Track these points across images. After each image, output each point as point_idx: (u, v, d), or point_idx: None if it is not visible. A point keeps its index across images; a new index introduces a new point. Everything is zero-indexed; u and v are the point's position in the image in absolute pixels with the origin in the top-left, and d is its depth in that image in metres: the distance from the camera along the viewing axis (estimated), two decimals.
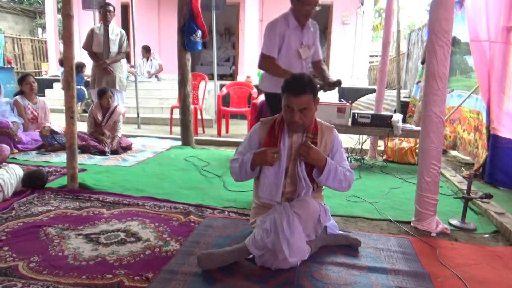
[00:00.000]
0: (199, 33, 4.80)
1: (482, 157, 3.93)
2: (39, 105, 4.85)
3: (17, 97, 4.74)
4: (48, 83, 9.67)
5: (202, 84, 6.52)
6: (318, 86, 2.35)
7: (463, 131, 4.65)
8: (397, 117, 4.17)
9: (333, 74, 10.35)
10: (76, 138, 3.18)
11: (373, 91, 7.04)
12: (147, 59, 9.09)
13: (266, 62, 3.04)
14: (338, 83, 3.01)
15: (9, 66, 10.30)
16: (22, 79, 4.78)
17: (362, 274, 1.97)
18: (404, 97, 6.89)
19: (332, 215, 2.42)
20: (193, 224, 2.53)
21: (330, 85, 3.02)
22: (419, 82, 6.14)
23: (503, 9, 3.72)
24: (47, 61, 11.59)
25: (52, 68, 10.75)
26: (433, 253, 2.23)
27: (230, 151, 4.83)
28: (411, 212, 2.76)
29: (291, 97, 2.00)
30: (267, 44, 3.01)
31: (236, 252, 1.99)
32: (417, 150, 4.26)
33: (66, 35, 3.00)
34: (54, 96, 8.83)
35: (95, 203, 2.85)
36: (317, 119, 2.19)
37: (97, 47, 5.12)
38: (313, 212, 2.01)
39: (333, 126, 2.20)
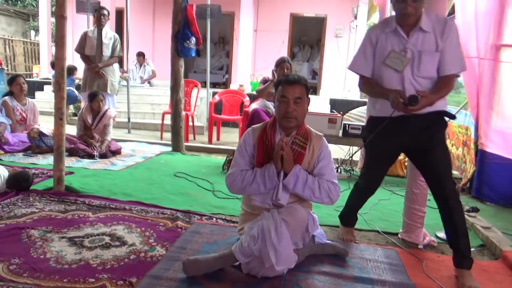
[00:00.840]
0: (193, 39, 4.81)
1: (469, 172, 3.97)
2: (28, 106, 4.80)
3: (6, 97, 4.68)
4: (39, 86, 9.57)
5: (194, 91, 6.51)
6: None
7: (452, 146, 4.70)
8: None
9: (324, 86, 10.29)
10: (65, 140, 3.14)
11: (364, 103, 7.09)
12: (141, 65, 9.08)
13: (360, 82, 2.34)
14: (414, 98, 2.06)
15: (0, 67, 10.18)
16: (12, 80, 4.73)
17: (348, 284, 1.96)
18: None
19: (320, 225, 2.41)
20: (180, 230, 2.50)
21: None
22: None
23: (493, 27, 3.80)
24: (39, 63, 11.49)
25: (43, 71, 10.65)
26: (420, 265, 2.23)
27: (221, 158, 4.81)
28: (399, 224, 2.76)
29: (286, 86, 2.03)
30: (353, 58, 2.32)
31: (222, 259, 1.97)
32: (406, 163, 4.29)
33: (58, 36, 2.98)
34: (45, 99, 8.73)
35: (81, 206, 2.81)
36: (308, 126, 2.20)
37: (90, 50, 5.10)
38: (301, 220, 1.99)
39: (322, 135, 2.20)
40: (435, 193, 2.19)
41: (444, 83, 2.08)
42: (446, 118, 2.18)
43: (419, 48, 2.09)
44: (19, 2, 17.05)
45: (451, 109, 4.73)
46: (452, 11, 4.80)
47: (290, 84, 2.03)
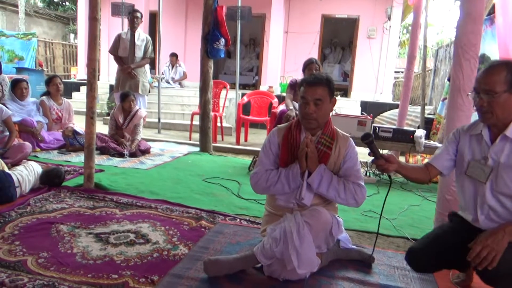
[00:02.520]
0: (223, 41, 4.84)
1: None
2: (64, 106, 4.98)
3: (43, 97, 4.87)
4: (76, 86, 9.96)
5: (223, 92, 6.56)
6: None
7: None
8: (420, 132, 4.06)
9: (356, 88, 10.18)
10: (95, 138, 3.23)
11: (397, 106, 6.91)
12: (173, 66, 9.25)
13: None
14: None
15: (40, 68, 10.67)
16: (49, 80, 4.92)
17: None
18: (429, 114, 6.72)
19: (346, 229, 2.35)
20: (204, 230, 2.50)
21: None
22: (445, 99, 5.97)
23: None
24: (77, 65, 11.96)
25: (80, 72, 11.08)
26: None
27: (248, 159, 4.80)
28: (429, 231, 2.63)
29: (306, 88, 1.99)
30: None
31: (243, 260, 1.94)
32: None
33: (91, 38, 3.07)
34: (81, 99, 9.05)
35: (108, 203, 2.87)
36: (335, 127, 2.14)
37: (123, 51, 5.24)
38: (324, 223, 1.94)
39: (349, 136, 2.13)
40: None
41: None
42: None
43: (502, 160, 1.69)
44: (60, 6, 17.82)
45: None
46: (492, 11, 4.59)
47: (310, 85, 1.98)
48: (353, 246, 2.23)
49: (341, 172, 2.05)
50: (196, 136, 5.58)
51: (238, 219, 2.74)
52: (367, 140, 1.79)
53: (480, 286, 1.96)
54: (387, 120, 7.04)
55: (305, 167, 1.97)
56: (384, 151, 4.55)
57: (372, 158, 1.83)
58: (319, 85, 1.97)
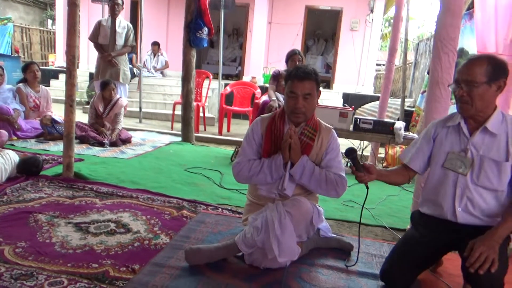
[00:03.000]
0: (206, 30, 4.80)
1: None
2: (41, 93, 4.85)
3: (20, 84, 4.74)
4: (54, 74, 9.71)
5: (206, 82, 6.51)
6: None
7: None
8: (400, 124, 4.13)
9: (338, 80, 10.23)
10: (74, 126, 3.17)
11: (377, 98, 7.00)
12: (155, 55, 9.10)
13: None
14: None
15: (16, 55, 10.33)
16: (26, 67, 4.78)
17: (352, 278, 1.94)
18: (409, 106, 6.84)
19: (326, 218, 2.39)
20: (186, 219, 2.50)
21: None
22: (424, 92, 6.09)
23: None
24: (55, 52, 11.64)
25: (59, 59, 10.80)
26: None
27: (230, 150, 4.81)
28: (407, 220, 2.71)
29: (295, 82, 1.97)
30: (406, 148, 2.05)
31: (225, 249, 1.96)
32: None
33: (70, 24, 2.99)
34: (60, 87, 8.84)
35: (88, 193, 2.83)
36: (318, 118, 2.16)
37: (103, 39, 5.12)
38: (305, 213, 1.97)
39: (332, 127, 2.16)
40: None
41: None
42: None
43: (482, 153, 1.72)
44: None
45: None
46: (471, 6, 4.67)
47: (300, 79, 1.96)
48: (332, 235, 2.27)
49: (323, 163, 2.08)
50: (178, 126, 5.55)
51: (220, 209, 2.75)
52: (351, 156, 1.80)
53: (448, 270, 2.04)
54: (368, 112, 7.14)
55: (288, 158, 1.99)
56: (364, 143, 4.64)
57: (351, 169, 1.84)
58: (308, 79, 1.96)
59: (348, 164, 4.40)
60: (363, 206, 1.99)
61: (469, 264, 1.54)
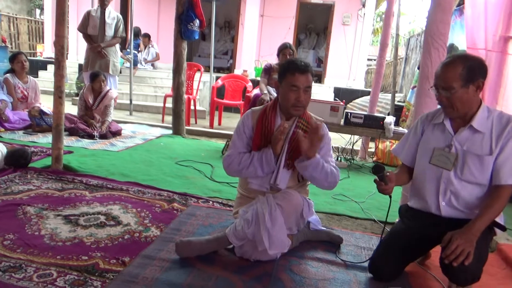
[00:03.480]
0: (197, 22, 4.76)
1: None
2: (29, 84, 4.78)
3: (8, 75, 4.66)
4: (42, 65, 9.55)
5: (197, 75, 6.47)
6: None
7: None
8: (390, 119, 4.17)
9: (329, 74, 10.20)
10: (63, 118, 3.13)
11: (368, 93, 7.03)
12: (145, 46, 9.00)
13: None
14: None
15: (3, 45, 10.14)
16: (14, 57, 4.70)
17: (341, 270, 1.96)
18: (399, 101, 6.89)
19: (316, 212, 2.41)
20: (176, 212, 2.50)
21: None
22: (415, 87, 6.14)
23: (502, 19, 3.72)
24: (43, 42, 11.44)
25: (47, 50, 10.62)
26: None
27: (221, 143, 4.80)
28: (395, 214, 2.74)
29: (296, 75, 1.94)
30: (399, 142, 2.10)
31: (215, 242, 1.96)
32: None
33: (59, 13, 2.94)
34: (48, 78, 8.72)
35: (78, 185, 2.81)
36: (309, 112, 2.16)
37: (93, 29, 5.05)
38: (296, 206, 1.98)
39: (323, 120, 2.16)
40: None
41: (495, 195, 1.68)
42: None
43: (466, 148, 1.75)
44: None
45: None
46: (462, 2, 4.71)
47: (302, 72, 1.95)
48: (322, 228, 2.29)
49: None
50: (169, 118, 5.52)
51: (210, 202, 2.76)
52: (380, 174, 1.79)
53: (436, 262, 2.08)
54: (359, 106, 7.18)
55: (279, 152, 1.99)
56: (354, 137, 4.67)
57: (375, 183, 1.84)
58: (309, 72, 1.98)
59: (339, 158, 4.44)
60: (387, 216, 1.99)
61: (445, 256, 1.58)
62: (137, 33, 8.60)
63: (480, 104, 1.74)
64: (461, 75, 1.65)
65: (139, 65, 8.65)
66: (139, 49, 8.63)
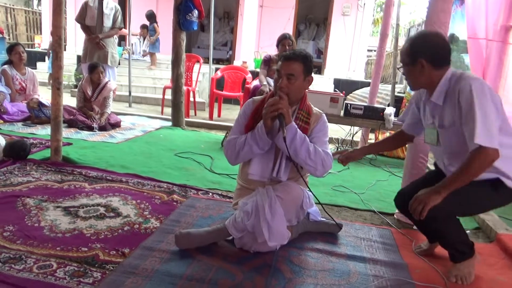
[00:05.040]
0: (196, 12, 4.72)
1: None
2: (27, 76, 4.75)
3: (5, 66, 4.63)
4: (40, 56, 9.50)
5: (196, 66, 6.43)
6: None
7: None
8: (390, 110, 4.15)
9: (329, 65, 10.14)
10: (62, 110, 3.12)
11: (368, 84, 7.00)
12: (144, 38, 8.94)
13: None
14: None
15: (1, 36, 10.06)
16: (11, 48, 4.67)
17: (341, 261, 1.96)
18: (399, 92, 6.87)
19: (316, 203, 2.40)
20: (176, 204, 2.50)
21: None
22: None
23: (503, 8, 3.68)
24: (41, 33, 11.36)
25: (45, 41, 10.54)
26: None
27: (220, 135, 4.79)
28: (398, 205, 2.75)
29: (282, 61, 1.99)
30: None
31: (215, 233, 1.96)
32: (407, 145, 4.25)
33: (56, 3, 2.91)
34: (46, 70, 8.66)
35: (77, 177, 2.80)
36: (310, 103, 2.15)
37: (90, 20, 5.00)
38: (296, 198, 1.98)
39: (323, 112, 2.16)
40: None
41: (467, 159, 1.68)
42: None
43: (438, 122, 1.84)
44: None
45: None
46: None
47: (286, 59, 1.98)
48: (322, 219, 2.29)
49: (310, 140, 2.05)
50: (168, 110, 5.50)
51: (210, 193, 2.76)
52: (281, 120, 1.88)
53: (440, 255, 2.09)
54: (359, 97, 7.16)
55: (270, 127, 1.94)
56: (354, 128, 4.65)
57: None
58: (294, 60, 1.96)
59: (338, 149, 4.43)
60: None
61: (409, 207, 1.73)
62: (150, 16, 8.64)
63: (441, 77, 1.78)
64: (407, 52, 1.80)
65: (136, 56, 8.58)
66: (149, 36, 8.54)
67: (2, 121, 4.27)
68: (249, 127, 2.06)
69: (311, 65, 2.03)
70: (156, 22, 8.66)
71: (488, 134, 1.61)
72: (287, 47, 4.13)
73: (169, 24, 4.89)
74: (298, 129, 1.95)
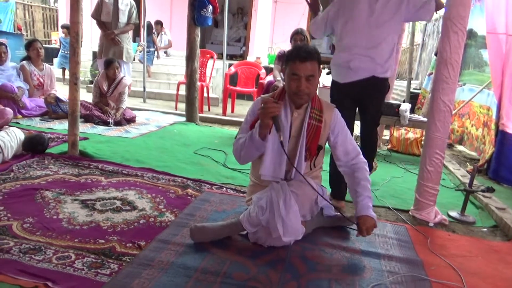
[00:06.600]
0: (210, 8, 4.73)
1: (488, 153, 3.86)
2: (45, 72, 4.83)
3: (24, 62, 4.72)
4: (57, 52, 9.62)
5: (210, 62, 6.45)
6: None
7: (471, 126, 4.57)
8: (405, 106, 4.10)
9: None
10: (79, 105, 3.16)
11: None
12: (158, 34, 9.00)
13: None
14: None
15: (19, 32, 10.26)
16: (29, 44, 4.75)
17: (355, 257, 1.96)
18: (415, 88, 6.77)
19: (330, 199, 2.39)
20: (190, 198, 2.52)
21: None
22: (431, 74, 6.02)
23: None
24: (57, 30, 11.52)
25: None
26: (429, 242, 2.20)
27: (234, 130, 4.80)
28: (410, 202, 2.72)
29: (297, 63, 1.88)
30: None
31: (229, 227, 1.98)
32: (422, 142, 4.19)
33: (73, 0, 2.95)
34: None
35: (94, 171, 2.85)
36: (321, 98, 2.13)
37: (106, 16, 5.05)
38: (310, 193, 1.96)
39: (334, 106, 2.13)
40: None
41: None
42: None
43: None
44: None
45: (474, 88, 4.57)
46: None
47: (302, 60, 1.88)
48: (336, 213, 2.28)
49: (338, 149, 2.07)
50: (182, 106, 5.53)
51: (224, 188, 2.77)
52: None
53: (456, 252, 2.06)
54: None
55: (264, 133, 1.89)
56: None
57: None
58: (311, 60, 1.89)
59: None
60: None
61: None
62: (148, 27, 7.91)
63: None
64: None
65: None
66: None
67: (20, 116, 4.36)
68: (253, 125, 2.02)
69: (320, 57, 1.96)
70: (154, 34, 8.54)
71: None
72: (298, 42, 4.11)
73: (184, 20, 4.92)
74: (370, 206, 2.02)
